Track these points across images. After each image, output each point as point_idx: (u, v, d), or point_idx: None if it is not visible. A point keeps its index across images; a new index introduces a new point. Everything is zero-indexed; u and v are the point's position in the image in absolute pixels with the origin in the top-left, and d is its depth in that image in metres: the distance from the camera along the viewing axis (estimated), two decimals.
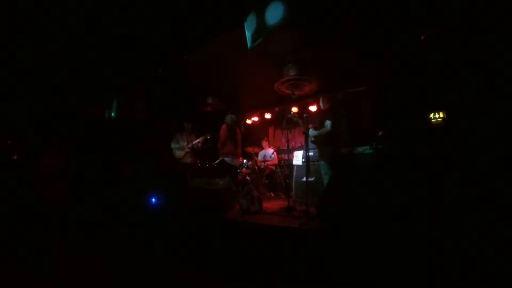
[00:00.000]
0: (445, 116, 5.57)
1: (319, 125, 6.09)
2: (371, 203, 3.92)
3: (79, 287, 3.34)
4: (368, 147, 5.55)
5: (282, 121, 6.20)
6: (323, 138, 5.97)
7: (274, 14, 5.11)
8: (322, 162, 6.01)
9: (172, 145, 7.64)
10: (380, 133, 5.64)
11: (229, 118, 6.92)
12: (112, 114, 8.87)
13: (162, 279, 3.53)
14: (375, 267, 3.14)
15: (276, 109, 9.28)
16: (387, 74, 6.31)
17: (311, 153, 6.34)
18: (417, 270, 3.01)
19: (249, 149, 8.47)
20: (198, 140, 7.53)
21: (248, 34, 5.59)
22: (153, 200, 6.63)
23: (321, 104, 6.39)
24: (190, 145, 7.52)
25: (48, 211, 6.52)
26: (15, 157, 7.99)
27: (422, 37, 5.36)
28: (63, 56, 7.06)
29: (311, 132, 6.04)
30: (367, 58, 6.16)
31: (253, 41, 5.50)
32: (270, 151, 8.78)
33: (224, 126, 6.86)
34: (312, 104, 8.10)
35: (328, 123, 5.89)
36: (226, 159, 6.76)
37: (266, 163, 8.51)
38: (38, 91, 7.94)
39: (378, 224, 3.58)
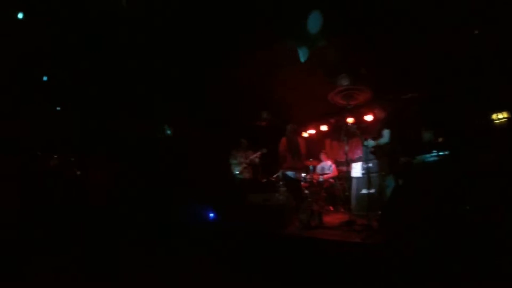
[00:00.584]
0: (510, 116, 5.18)
1: (377, 135, 5.91)
2: (438, 215, 3.72)
3: None
4: (429, 155, 5.29)
5: (339, 132, 6.10)
6: (382, 149, 5.77)
7: (314, 23, 5.17)
8: (382, 174, 5.82)
9: (230, 161, 7.80)
10: (440, 139, 5.35)
11: (289, 127, 6.85)
12: (168, 132, 9.29)
13: None
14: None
15: (332, 120, 9.16)
16: (443, 76, 6.02)
17: (370, 165, 6.17)
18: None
19: (307, 163, 8.41)
20: (255, 155, 7.63)
21: (299, 47, 5.66)
22: (211, 215, 6.78)
23: (377, 113, 6.22)
24: (247, 161, 7.64)
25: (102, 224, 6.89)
26: (79, 172, 8.61)
27: (476, 32, 5.06)
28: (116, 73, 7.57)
29: (370, 142, 5.87)
30: (419, 61, 5.93)
31: (304, 53, 5.55)
32: (328, 163, 8.66)
33: (282, 140, 6.77)
34: (367, 114, 7.91)
35: (386, 132, 5.69)
36: (288, 172, 6.62)
37: (324, 176, 8.38)
38: (90, 108, 8.57)
39: (448, 238, 3.37)
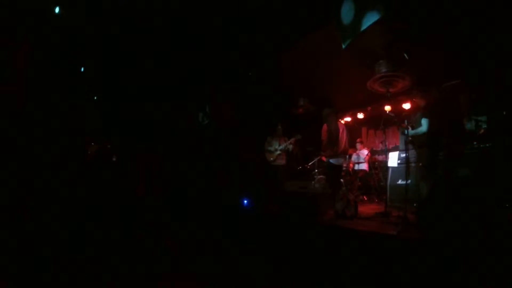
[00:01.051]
0: None
1: (415, 124, 5.77)
2: (479, 209, 3.64)
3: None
4: (471, 146, 5.13)
5: (376, 120, 5.96)
6: (420, 138, 5.63)
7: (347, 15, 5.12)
8: (420, 164, 5.70)
9: (265, 148, 7.84)
10: (481, 130, 5.16)
11: (325, 111, 6.53)
12: (205, 120, 9.45)
13: (250, 281, 3.68)
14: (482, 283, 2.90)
15: (369, 108, 8.97)
16: (488, 65, 5.75)
17: (407, 154, 6.05)
18: None
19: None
20: (289, 141, 7.63)
21: (341, 34, 5.58)
22: (245, 202, 6.90)
23: (416, 101, 6.06)
24: (282, 147, 7.65)
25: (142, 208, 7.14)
26: (114, 159, 8.94)
27: None
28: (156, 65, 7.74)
29: (408, 131, 5.73)
30: (467, 48, 5.67)
31: (347, 40, 5.48)
32: (364, 152, 8.56)
33: (324, 126, 6.54)
34: (405, 102, 7.68)
35: (424, 121, 5.54)
36: (331, 160, 6.36)
37: (359, 164, 8.31)
38: (132, 99, 8.82)
39: (489, 235, 3.30)
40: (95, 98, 8.95)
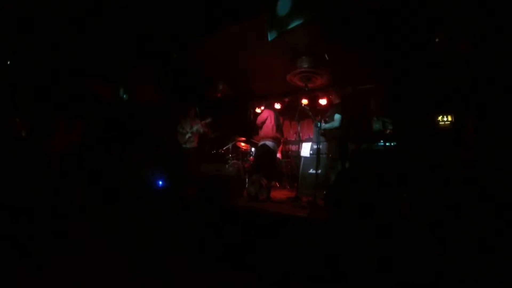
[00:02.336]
0: (453, 120, 5.65)
1: (328, 119, 6.19)
2: (377, 198, 4.07)
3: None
4: (375, 143, 5.65)
5: (292, 112, 6.21)
6: (332, 132, 6.06)
7: (283, 7, 5.29)
8: (330, 156, 6.13)
9: (178, 130, 7.70)
10: (387, 131, 5.72)
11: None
12: (124, 96, 8.94)
13: (162, 261, 3.61)
14: (378, 259, 3.28)
15: (286, 99, 9.30)
16: (400, 73, 6.37)
17: (319, 146, 6.45)
18: (417, 262, 3.17)
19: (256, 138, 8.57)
20: (199, 125, 7.58)
21: (268, 27, 5.68)
22: (159, 183, 6.74)
23: (332, 98, 6.48)
24: (193, 130, 7.57)
25: (57, 189, 6.60)
26: (23, 134, 8.04)
27: (437, 40, 5.40)
28: (77, 35, 7.09)
29: (322, 125, 6.12)
30: (381, 57, 6.21)
31: (273, 34, 5.60)
32: None
33: (267, 111, 6.74)
34: (322, 97, 8.12)
35: (337, 117, 5.97)
36: (268, 143, 6.49)
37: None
38: (49, 70, 7.97)
39: (384, 219, 3.72)
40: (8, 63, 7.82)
